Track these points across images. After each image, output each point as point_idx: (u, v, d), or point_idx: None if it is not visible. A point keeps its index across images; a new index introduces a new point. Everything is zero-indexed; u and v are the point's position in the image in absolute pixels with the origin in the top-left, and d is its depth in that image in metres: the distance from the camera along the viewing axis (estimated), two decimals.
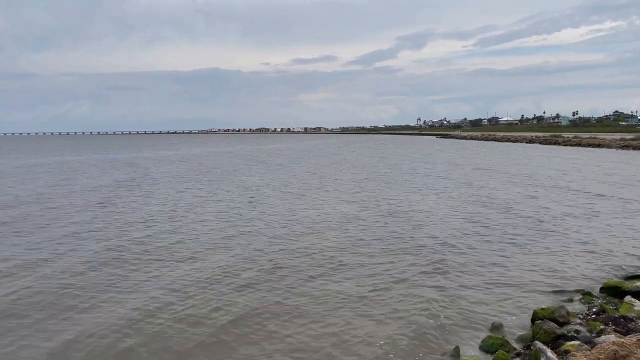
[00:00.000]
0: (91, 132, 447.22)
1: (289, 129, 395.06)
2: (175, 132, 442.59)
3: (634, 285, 10.54)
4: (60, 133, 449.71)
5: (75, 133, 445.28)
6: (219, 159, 63.81)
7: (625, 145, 69.68)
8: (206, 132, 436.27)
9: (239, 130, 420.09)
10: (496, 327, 9.12)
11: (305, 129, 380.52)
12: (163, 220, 19.80)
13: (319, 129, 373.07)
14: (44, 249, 15.22)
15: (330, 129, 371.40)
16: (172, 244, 15.79)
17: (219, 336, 8.95)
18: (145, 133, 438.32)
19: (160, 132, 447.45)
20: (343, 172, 41.97)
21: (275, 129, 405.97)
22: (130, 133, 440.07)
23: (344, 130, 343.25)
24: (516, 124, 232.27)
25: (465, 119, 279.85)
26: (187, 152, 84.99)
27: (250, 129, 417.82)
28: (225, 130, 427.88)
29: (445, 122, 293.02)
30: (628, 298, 9.72)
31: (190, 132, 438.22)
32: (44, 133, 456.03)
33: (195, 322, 9.55)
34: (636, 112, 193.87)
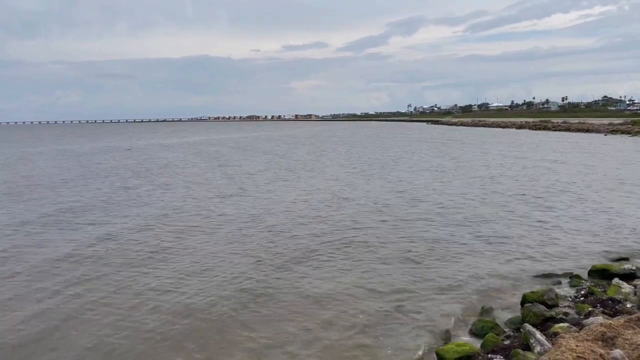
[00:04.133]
0: (80, 121, 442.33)
1: (280, 116, 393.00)
2: (165, 120, 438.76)
3: (622, 267, 10.70)
4: (48, 122, 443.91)
5: (64, 122, 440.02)
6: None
7: (613, 130, 70.24)
8: (197, 120, 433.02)
9: (229, 118, 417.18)
10: (486, 311, 9.22)
11: (297, 116, 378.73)
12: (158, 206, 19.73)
13: (310, 116, 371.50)
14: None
15: (321, 116, 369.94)
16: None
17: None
18: (135, 121, 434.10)
19: (150, 121, 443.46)
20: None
21: (266, 116, 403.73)
22: (119, 121, 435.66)
23: (335, 118, 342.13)
24: (506, 109, 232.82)
25: (455, 105, 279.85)
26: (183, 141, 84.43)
27: (241, 117, 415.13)
28: (215, 118, 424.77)
29: (436, 108, 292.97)
30: (616, 280, 9.85)
31: (180, 120, 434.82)
32: (32, 122, 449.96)
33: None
34: (624, 97, 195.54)
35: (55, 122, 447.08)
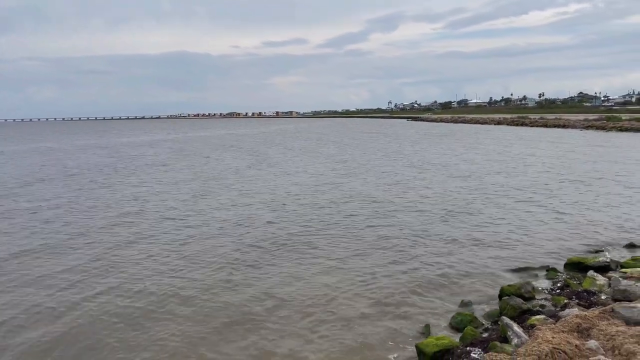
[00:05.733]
0: (55, 119, 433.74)
1: (260, 113, 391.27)
2: (143, 118, 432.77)
3: (596, 260, 10.91)
4: (22, 119, 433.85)
5: (39, 120, 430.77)
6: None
7: (589, 126, 71.64)
8: (175, 117, 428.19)
9: (209, 115, 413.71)
10: (465, 304, 9.32)
11: (277, 113, 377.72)
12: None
13: (291, 113, 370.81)
14: None
15: (302, 112, 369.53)
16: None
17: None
18: (112, 119, 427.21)
19: (128, 118, 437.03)
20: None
21: (246, 113, 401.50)
22: (96, 119, 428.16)
23: (316, 114, 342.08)
24: (485, 106, 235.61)
25: (435, 101, 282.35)
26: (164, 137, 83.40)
27: (220, 114, 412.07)
28: (195, 115, 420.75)
29: (416, 104, 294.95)
30: (591, 273, 10.04)
31: (159, 118, 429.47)
32: (5, 120, 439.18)
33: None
34: (599, 93, 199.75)
35: (31, 119, 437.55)
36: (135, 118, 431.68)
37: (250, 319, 8.95)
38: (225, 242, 14.09)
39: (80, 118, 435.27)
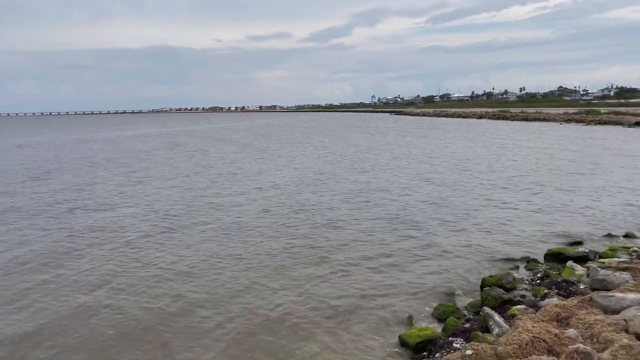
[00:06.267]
0: (34, 113, 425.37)
1: (243, 107, 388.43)
2: (125, 112, 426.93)
3: (575, 251, 11.10)
4: (0, 114, 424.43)
5: (17, 114, 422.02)
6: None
7: (568, 119, 72.70)
8: (158, 111, 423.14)
9: (191, 109, 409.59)
10: (447, 295, 9.42)
11: (261, 107, 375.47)
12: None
13: (275, 107, 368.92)
14: None
15: (286, 107, 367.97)
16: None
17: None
18: (92, 113, 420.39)
19: (109, 112, 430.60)
20: None
21: (229, 107, 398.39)
22: (76, 113, 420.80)
23: (300, 108, 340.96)
24: (467, 100, 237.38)
25: (418, 95, 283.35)
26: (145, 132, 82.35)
27: (203, 108, 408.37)
28: (177, 110, 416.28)
29: (399, 99, 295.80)
30: (570, 263, 10.20)
31: (140, 112, 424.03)
32: None
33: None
34: (579, 87, 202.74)
35: (9, 114, 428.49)
36: (117, 112, 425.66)
37: (236, 311, 8.91)
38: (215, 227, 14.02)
39: (59, 113, 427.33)
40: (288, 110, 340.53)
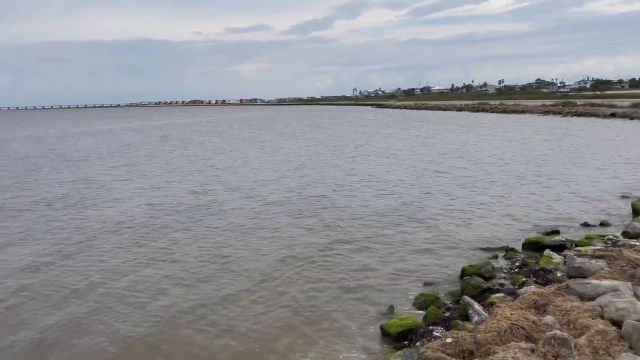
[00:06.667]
0: (9, 108, 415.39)
1: (224, 101, 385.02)
2: (102, 106, 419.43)
3: (552, 239, 11.30)
4: None
5: None
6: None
7: (546, 111, 73.80)
8: (136, 105, 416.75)
9: (170, 103, 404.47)
10: (428, 285, 9.51)
11: (241, 100, 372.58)
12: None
13: (256, 100, 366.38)
14: None
15: (267, 100, 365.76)
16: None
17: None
18: (69, 107, 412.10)
19: (86, 106, 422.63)
20: None
21: (209, 101, 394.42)
22: (52, 107, 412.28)
23: (281, 102, 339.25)
24: (447, 92, 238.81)
25: (399, 88, 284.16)
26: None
27: (183, 102, 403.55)
28: (156, 103, 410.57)
29: (380, 92, 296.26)
30: (547, 252, 10.38)
31: (118, 106, 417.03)
32: None
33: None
34: (556, 79, 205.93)
35: None
36: (95, 106, 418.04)
37: (217, 302, 8.85)
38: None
39: (35, 107, 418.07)
40: (269, 103, 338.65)
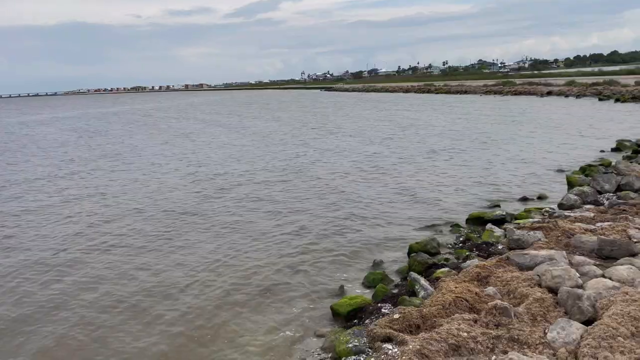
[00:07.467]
0: None
1: (168, 86, 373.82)
2: (37, 95, 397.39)
3: (494, 214, 11.72)
4: None
5: None
6: None
7: (487, 91, 76.23)
8: (74, 93, 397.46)
9: (112, 90, 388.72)
10: (377, 264, 9.65)
11: (187, 86, 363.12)
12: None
13: (202, 85, 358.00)
14: None
15: (213, 85, 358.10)
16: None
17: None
18: (1, 97, 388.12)
19: (20, 95, 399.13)
20: None
21: (152, 87, 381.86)
22: None
23: (228, 86, 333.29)
24: (394, 75, 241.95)
25: (347, 71, 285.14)
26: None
27: (125, 88, 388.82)
28: (96, 91, 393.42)
29: (328, 75, 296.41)
30: (489, 226, 10.75)
31: (55, 94, 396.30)
32: None
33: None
34: (497, 60, 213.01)
35: None
36: (28, 95, 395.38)
37: (159, 288, 8.63)
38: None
39: None
40: (216, 88, 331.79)
